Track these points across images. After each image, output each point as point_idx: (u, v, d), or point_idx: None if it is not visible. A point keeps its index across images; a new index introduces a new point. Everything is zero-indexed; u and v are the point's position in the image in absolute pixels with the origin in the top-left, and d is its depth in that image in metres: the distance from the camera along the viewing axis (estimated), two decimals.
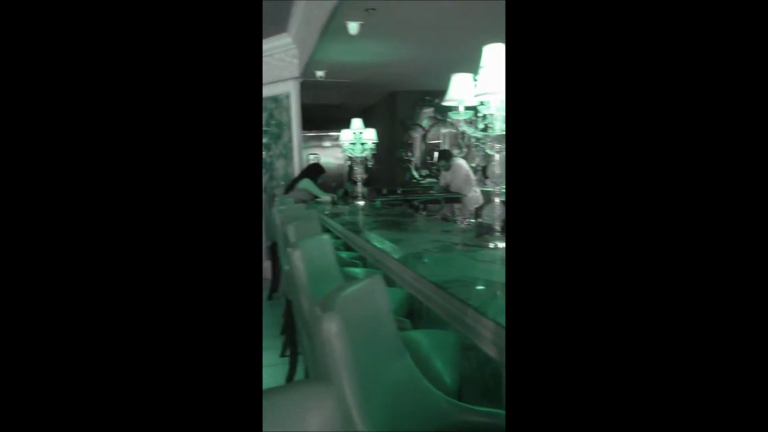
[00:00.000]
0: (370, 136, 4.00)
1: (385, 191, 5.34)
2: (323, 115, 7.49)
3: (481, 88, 1.58)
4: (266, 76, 4.86)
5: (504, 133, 1.58)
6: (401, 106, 6.63)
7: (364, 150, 3.95)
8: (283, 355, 2.91)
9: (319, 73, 4.74)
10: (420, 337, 1.35)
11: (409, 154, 6.82)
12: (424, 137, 6.88)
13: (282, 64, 4.76)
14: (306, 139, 6.13)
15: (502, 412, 0.98)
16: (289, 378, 2.53)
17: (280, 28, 4.38)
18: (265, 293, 4.39)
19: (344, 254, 2.59)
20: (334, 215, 3.15)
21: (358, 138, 3.95)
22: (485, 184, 5.20)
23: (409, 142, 6.82)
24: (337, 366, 0.71)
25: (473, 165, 5.26)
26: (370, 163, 4.02)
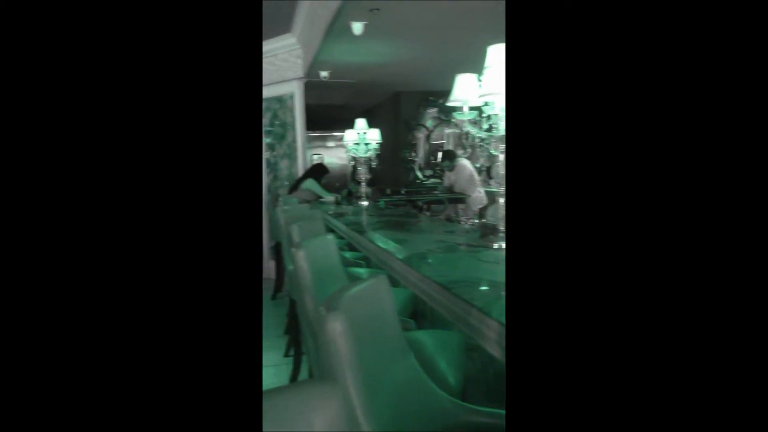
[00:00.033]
0: (374, 136, 4.00)
1: (388, 191, 5.34)
2: (327, 115, 7.50)
3: (485, 89, 1.58)
4: (270, 77, 4.87)
5: None
6: (405, 107, 6.63)
7: (368, 150, 3.95)
8: (286, 354, 2.91)
9: (323, 74, 4.74)
10: (424, 337, 1.35)
11: (413, 154, 6.82)
12: (428, 137, 6.88)
13: (286, 65, 4.77)
14: (310, 140, 6.14)
15: None
16: (293, 378, 2.54)
17: (285, 28, 4.39)
18: (268, 293, 4.40)
19: (348, 254, 2.59)
20: (338, 215, 3.16)
21: (362, 138, 3.95)
22: (489, 184, 5.19)
23: (413, 142, 6.82)
24: (342, 366, 0.71)
25: (477, 165, 5.25)
26: (373, 164, 4.02)
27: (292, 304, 2.53)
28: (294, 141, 4.95)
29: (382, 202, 4.32)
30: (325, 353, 0.72)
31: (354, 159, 4.13)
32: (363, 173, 3.98)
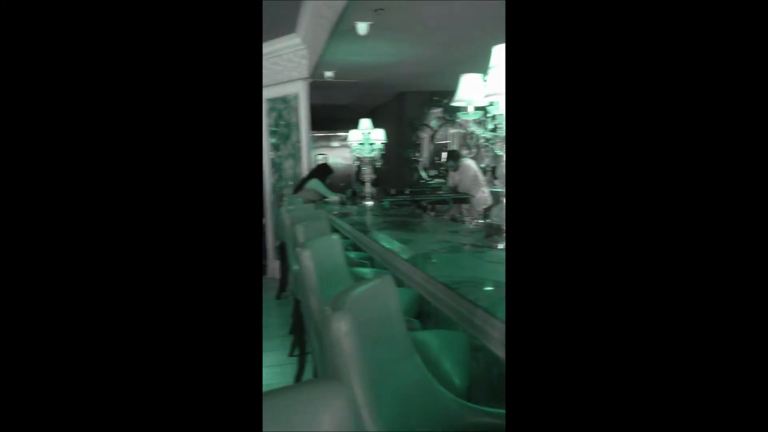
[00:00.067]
0: (379, 136, 4.00)
1: (393, 191, 5.34)
2: (332, 115, 7.51)
3: (490, 89, 1.58)
4: (275, 77, 4.88)
5: None
6: (409, 106, 6.63)
7: (373, 150, 3.95)
8: (291, 354, 2.92)
9: (328, 74, 4.75)
10: (429, 337, 1.35)
11: (417, 154, 6.82)
12: (432, 137, 6.87)
13: (291, 65, 4.78)
14: (314, 140, 6.15)
15: None
16: (298, 377, 2.54)
17: (289, 28, 4.40)
18: (273, 293, 4.41)
19: (353, 254, 2.59)
20: (343, 215, 3.16)
21: (366, 138, 3.96)
22: (494, 184, 5.18)
23: (418, 142, 6.82)
24: (347, 365, 0.71)
25: (482, 165, 5.24)
26: (378, 164, 4.03)
27: (297, 303, 2.53)
28: (299, 141, 4.95)
29: (386, 202, 4.32)
30: (331, 353, 0.72)
31: (358, 159, 4.13)
32: (367, 173, 3.99)
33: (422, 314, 1.82)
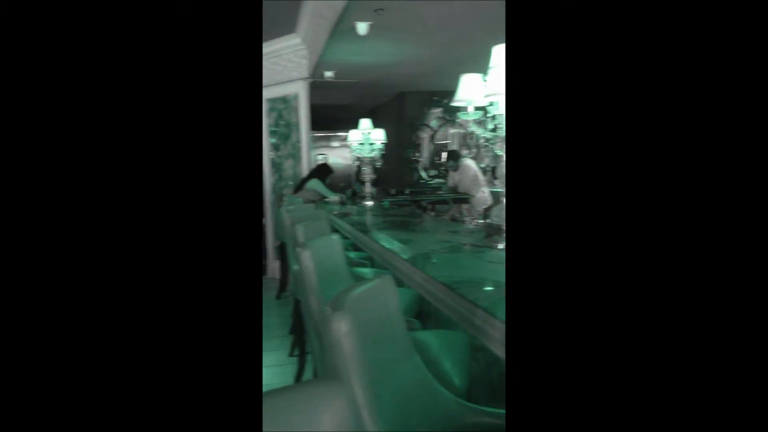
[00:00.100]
0: (379, 136, 4.00)
1: (393, 191, 5.34)
2: (332, 115, 7.51)
3: (490, 89, 1.58)
4: (275, 77, 4.88)
5: None
6: (409, 106, 6.63)
7: (373, 150, 3.95)
8: (291, 354, 2.92)
9: (328, 74, 4.75)
10: (429, 337, 1.35)
11: (417, 154, 6.82)
12: (432, 137, 6.87)
13: (291, 65, 4.78)
14: (314, 140, 6.15)
15: None
16: (298, 377, 2.54)
17: (289, 28, 4.40)
18: (273, 293, 4.41)
19: (353, 254, 2.59)
20: (343, 215, 3.16)
21: (366, 138, 3.96)
22: (494, 184, 5.18)
23: (417, 142, 6.82)
24: (347, 365, 0.71)
25: (482, 165, 5.24)
26: (378, 164, 4.03)
27: (297, 303, 2.53)
28: (299, 141, 4.95)
29: (386, 202, 4.32)
30: (331, 353, 0.72)
31: (358, 159, 4.13)
32: (367, 173, 3.99)
33: (422, 314, 1.82)
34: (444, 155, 6.39)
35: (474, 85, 1.95)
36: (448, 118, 6.66)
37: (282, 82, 4.88)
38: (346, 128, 4.60)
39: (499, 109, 1.59)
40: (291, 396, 0.53)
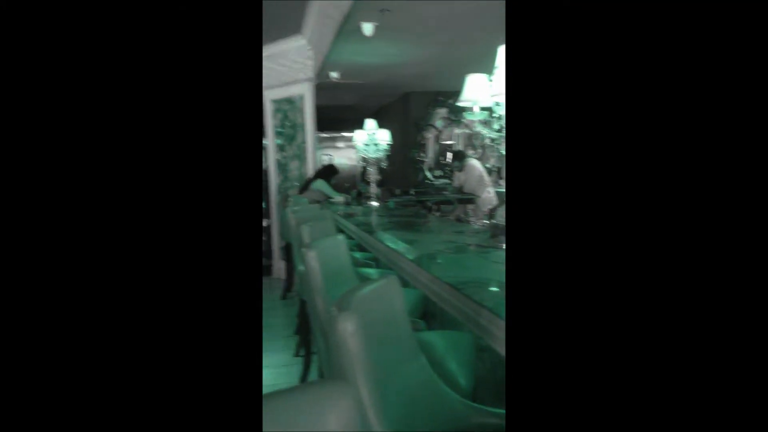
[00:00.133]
0: (384, 136, 4.00)
1: (398, 192, 5.34)
2: (337, 116, 7.52)
3: (496, 89, 1.58)
4: (281, 78, 4.90)
5: None
6: (415, 107, 6.63)
7: (378, 151, 3.96)
8: (297, 354, 2.92)
9: (334, 75, 4.76)
10: (434, 338, 1.35)
11: (422, 154, 6.82)
12: (437, 138, 6.87)
13: (296, 66, 4.79)
14: (320, 140, 6.16)
15: None
16: (303, 377, 2.55)
17: (295, 30, 4.41)
18: (279, 293, 4.43)
19: (358, 255, 2.60)
20: (348, 216, 3.16)
21: (371, 139, 3.96)
22: (500, 185, 5.17)
23: (423, 142, 6.82)
24: (353, 366, 0.71)
25: (488, 166, 5.23)
26: (383, 164, 4.03)
27: (303, 304, 2.54)
28: (304, 142, 4.97)
29: (391, 203, 4.32)
30: (336, 353, 0.73)
31: (364, 159, 4.14)
32: (372, 174, 3.99)
33: (427, 315, 1.81)
34: (449, 155, 6.38)
35: (479, 85, 1.95)
36: (453, 118, 6.65)
37: (287, 83, 4.89)
38: (352, 129, 4.61)
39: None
40: (297, 396, 0.53)
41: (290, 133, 5.02)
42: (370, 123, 4.02)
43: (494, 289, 1.19)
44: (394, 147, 4.47)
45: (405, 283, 1.46)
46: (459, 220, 4.14)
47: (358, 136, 4.08)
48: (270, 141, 5.11)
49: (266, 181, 5.25)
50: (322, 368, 1.64)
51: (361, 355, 0.72)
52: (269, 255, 5.38)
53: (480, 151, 5.79)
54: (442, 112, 6.75)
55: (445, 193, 5.42)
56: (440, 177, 6.84)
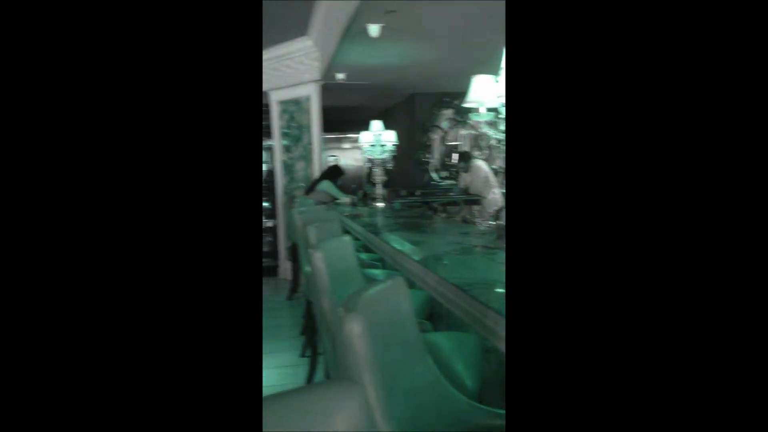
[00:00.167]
0: (390, 137, 4.01)
1: (403, 193, 5.34)
2: (343, 117, 7.53)
3: (502, 90, 1.57)
4: (287, 79, 4.91)
5: None
6: (420, 108, 6.62)
7: (384, 152, 3.96)
8: (303, 355, 2.93)
9: (340, 76, 4.77)
10: (440, 339, 1.35)
11: (428, 155, 6.81)
12: (443, 139, 6.86)
13: (303, 67, 4.81)
14: (326, 141, 6.18)
15: None
16: (309, 378, 2.55)
17: (301, 31, 4.43)
18: (285, 294, 4.44)
19: (364, 256, 2.60)
20: (354, 217, 3.17)
21: (377, 140, 3.97)
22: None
23: (428, 143, 6.81)
24: (360, 366, 0.72)
25: (494, 167, 5.22)
26: (389, 165, 4.03)
27: (309, 304, 2.55)
28: (310, 143, 4.98)
29: (397, 204, 4.32)
30: (343, 354, 0.73)
31: (369, 161, 4.15)
32: (378, 175, 3.99)
33: (433, 316, 1.81)
34: (455, 156, 6.38)
35: (486, 87, 1.95)
36: (459, 119, 6.64)
37: (294, 85, 4.91)
38: (357, 130, 4.62)
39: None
40: (306, 396, 0.54)
41: (296, 134, 5.03)
42: (376, 124, 4.03)
43: (500, 290, 1.19)
44: (399, 148, 4.47)
45: (411, 284, 1.46)
46: (465, 221, 4.13)
47: (364, 138, 4.08)
48: (276, 142, 5.13)
49: (273, 182, 5.27)
50: (329, 369, 1.65)
51: (367, 356, 0.72)
52: (275, 256, 5.40)
53: (486, 152, 5.78)
54: (448, 113, 6.73)
55: (450, 194, 5.41)
56: (446, 178, 6.83)
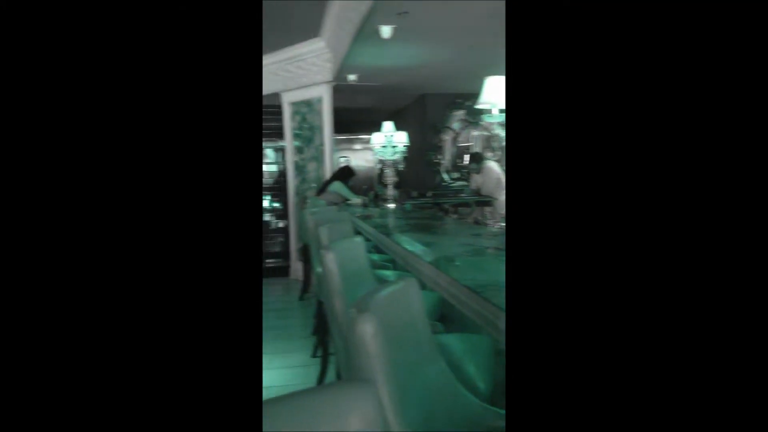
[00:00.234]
0: (401, 139, 4.01)
1: (415, 194, 5.34)
2: (354, 118, 7.55)
3: None
4: (299, 80, 4.94)
5: None
6: (432, 109, 6.61)
7: (395, 153, 3.96)
8: (314, 355, 2.94)
9: (351, 77, 4.78)
10: (452, 341, 1.34)
11: (440, 156, 6.80)
12: (454, 140, 6.84)
13: (315, 68, 4.83)
14: (337, 142, 6.20)
15: None
16: (321, 378, 2.56)
17: (314, 32, 4.45)
18: (296, 294, 4.46)
19: (375, 257, 2.60)
20: (365, 218, 3.17)
21: (389, 141, 3.97)
22: None
23: (440, 144, 6.79)
24: (372, 367, 0.72)
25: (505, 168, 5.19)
26: (400, 166, 4.04)
27: (320, 305, 2.55)
28: (322, 144, 5.00)
29: (408, 205, 4.32)
30: (356, 354, 0.73)
31: (381, 162, 4.15)
32: (389, 176, 4.00)
33: (445, 317, 1.81)
34: (466, 158, 6.35)
35: (498, 88, 1.94)
36: (470, 120, 6.62)
37: (306, 86, 4.93)
38: (369, 131, 4.63)
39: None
40: (320, 397, 0.54)
41: (308, 135, 5.06)
42: (388, 125, 4.03)
43: None
44: (411, 149, 4.47)
45: (422, 286, 1.45)
46: (476, 222, 4.11)
47: (376, 139, 4.09)
48: (288, 143, 5.15)
49: (284, 182, 5.30)
50: (340, 369, 1.65)
51: (380, 357, 0.72)
52: (287, 256, 5.43)
53: (498, 153, 5.75)
54: (460, 114, 6.72)
55: (462, 195, 5.40)
56: (457, 179, 6.81)
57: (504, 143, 1.75)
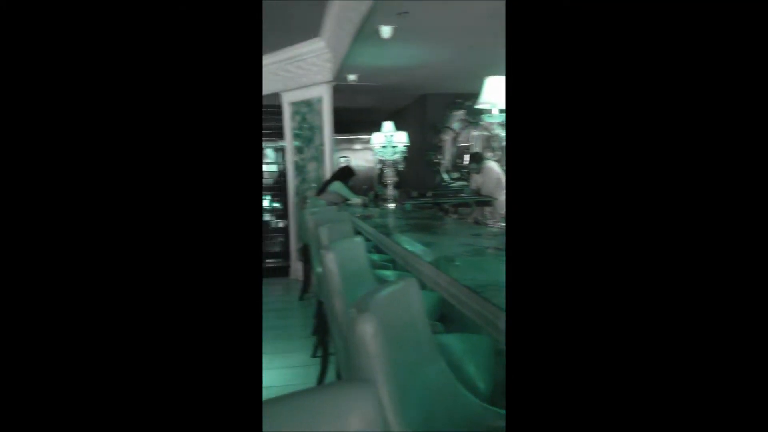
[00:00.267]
0: (401, 139, 4.01)
1: (415, 194, 5.34)
2: (354, 118, 7.55)
3: None
4: (299, 80, 4.94)
5: None
6: (432, 109, 6.61)
7: (395, 153, 3.96)
8: (314, 355, 2.94)
9: (351, 77, 4.78)
10: (452, 341, 1.35)
11: (439, 156, 6.80)
12: (454, 140, 6.84)
13: (315, 68, 4.83)
14: (337, 142, 6.20)
15: None
16: (321, 378, 2.56)
17: (314, 32, 4.45)
18: (297, 294, 4.46)
19: (375, 257, 2.60)
20: (365, 217, 3.17)
21: (389, 141, 3.97)
22: None
23: (440, 144, 6.79)
24: (372, 367, 0.72)
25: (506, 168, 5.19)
26: (400, 166, 4.04)
27: (320, 305, 2.55)
28: (322, 144, 5.00)
29: (408, 205, 4.32)
30: (356, 354, 0.73)
31: (381, 162, 4.15)
32: (389, 176, 4.00)
33: (445, 317, 1.81)
34: (466, 158, 6.35)
35: (498, 88, 1.94)
36: (470, 120, 6.62)
37: (306, 86, 4.93)
38: (369, 131, 4.63)
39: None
40: (320, 396, 0.54)
41: (308, 135, 5.06)
42: (388, 125, 4.03)
43: None
44: (411, 149, 4.47)
45: (422, 286, 1.45)
46: (476, 222, 4.11)
47: (376, 139, 4.09)
48: (288, 143, 5.15)
49: (284, 182, 5.30)
50: (340, 369, 1.65)
51: (380, 357, 0.72)
52: (287, 256, 5.43)
53: (498, 153, 5.75)
54: (460, 114, 6.72)
55: (462, 195, 5.40)
56: (457, 179, 6.81)
57: (504, 143, 1.75)
